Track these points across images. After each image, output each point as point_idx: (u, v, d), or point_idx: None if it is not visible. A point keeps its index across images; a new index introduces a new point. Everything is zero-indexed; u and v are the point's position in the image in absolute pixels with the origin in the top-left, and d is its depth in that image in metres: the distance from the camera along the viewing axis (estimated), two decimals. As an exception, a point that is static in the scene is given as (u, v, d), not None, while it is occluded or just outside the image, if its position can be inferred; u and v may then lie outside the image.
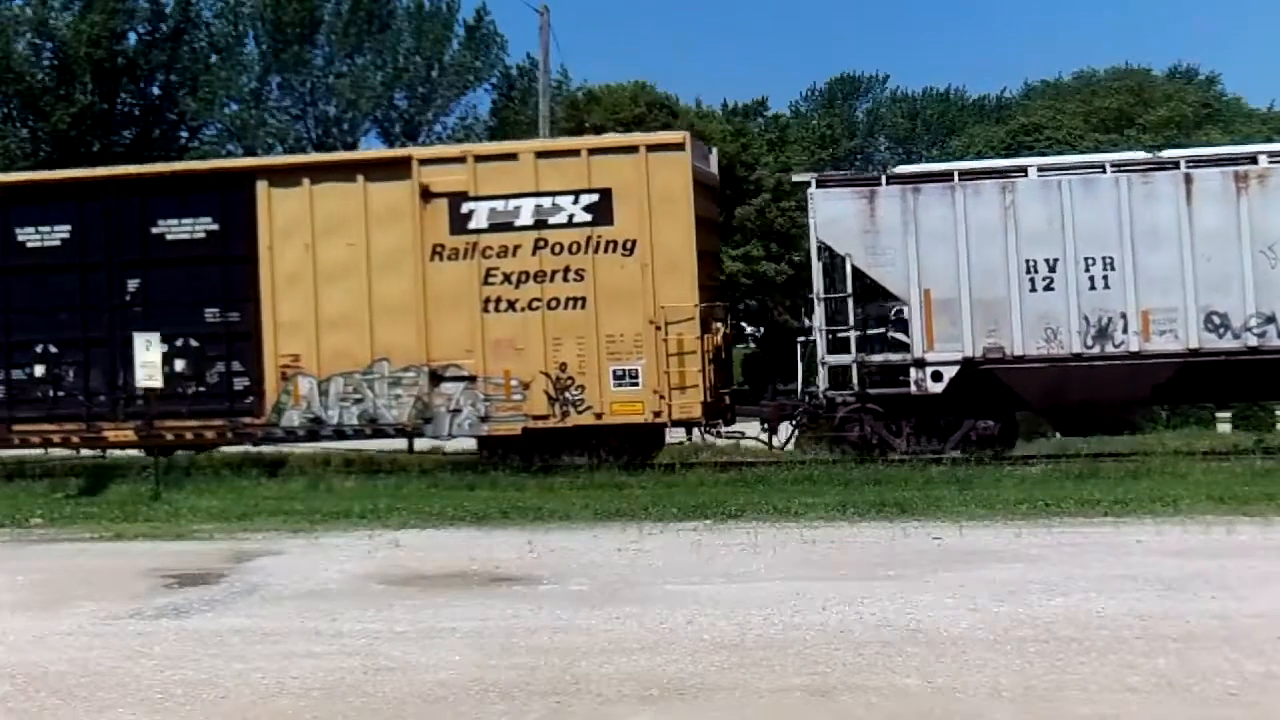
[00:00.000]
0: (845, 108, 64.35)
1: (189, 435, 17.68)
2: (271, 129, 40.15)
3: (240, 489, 15.74)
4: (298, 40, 39.81)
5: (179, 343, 17.16)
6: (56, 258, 17.73)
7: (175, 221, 17.59)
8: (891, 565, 9.60)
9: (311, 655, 7.30)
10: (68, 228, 17.75)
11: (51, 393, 17.73)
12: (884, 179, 16.74)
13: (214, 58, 38.42)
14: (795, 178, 19.83)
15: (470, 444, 18.23)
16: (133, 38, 36.85)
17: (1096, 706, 5.89)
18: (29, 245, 17.83)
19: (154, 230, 17.59)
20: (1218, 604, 7.85)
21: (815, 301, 16.66)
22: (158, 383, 15.87)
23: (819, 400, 16.83)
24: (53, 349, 17.71)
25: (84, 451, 19.21)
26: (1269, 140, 23.24)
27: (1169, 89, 49.19)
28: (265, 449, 18.63)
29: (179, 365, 17.13)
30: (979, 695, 6.11)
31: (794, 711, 6.03)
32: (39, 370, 17.73)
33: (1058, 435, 18.80)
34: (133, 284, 17.62)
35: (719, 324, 17.39)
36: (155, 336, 15.94)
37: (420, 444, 18.44)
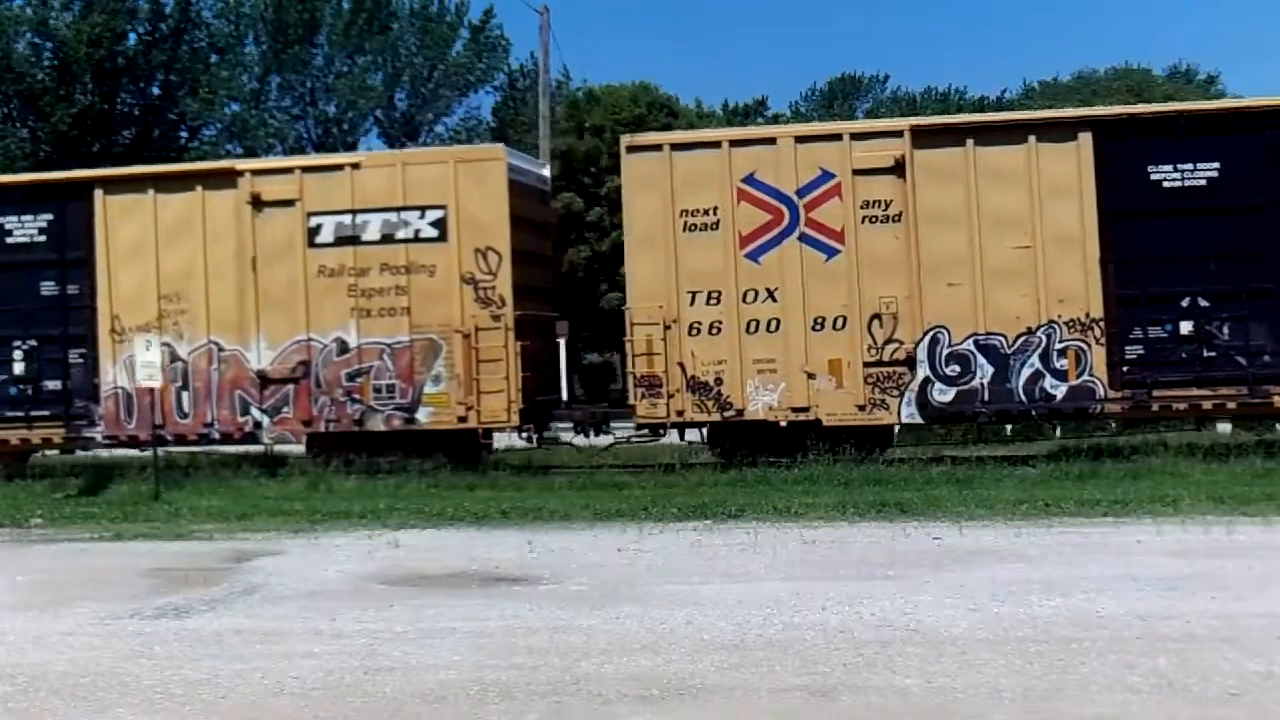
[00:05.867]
0: (845, 108, 64.21)
1: None
2: (271, 129, 40.13)
3: (240, 489, 15.73)
4: (298, 40, 39.81)
5: None
6: (1201, 199, 15.63)
7: None
8: (891, 565, 9.60)
9: (311, 655, 7.30)
10: (1215, 165, 15.66)
11: (1202, 353, 15.59)
12: None
13: (214, 58, 38.39)
14: None
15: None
16: (133, 38, 36.85)
17: (1096, 706, 5.89)
18: (1165, 185, 15.79)
19: None
20: (1218, 604, 7.86)
21: None
22: (158, 383, 15.85)
23: None
24: (1202, 303, 15.57)
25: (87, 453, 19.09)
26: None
27: (1169, 89, 49.18)
28: (260, 448, 18.61)
29: None
30: (979, 695, 6.11)
31: (794, 711, 6.02)
32: (1186, 327, 15.58)
33: (1057, 433, 18.76)
34: None
35: None
36: (155, 337, 15.92)
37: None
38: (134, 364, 15.97)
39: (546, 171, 19.51)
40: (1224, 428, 17.97)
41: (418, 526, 12.57)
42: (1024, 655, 6.76)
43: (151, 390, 16.14)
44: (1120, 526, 11.16)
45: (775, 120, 45.11)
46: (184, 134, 38.97)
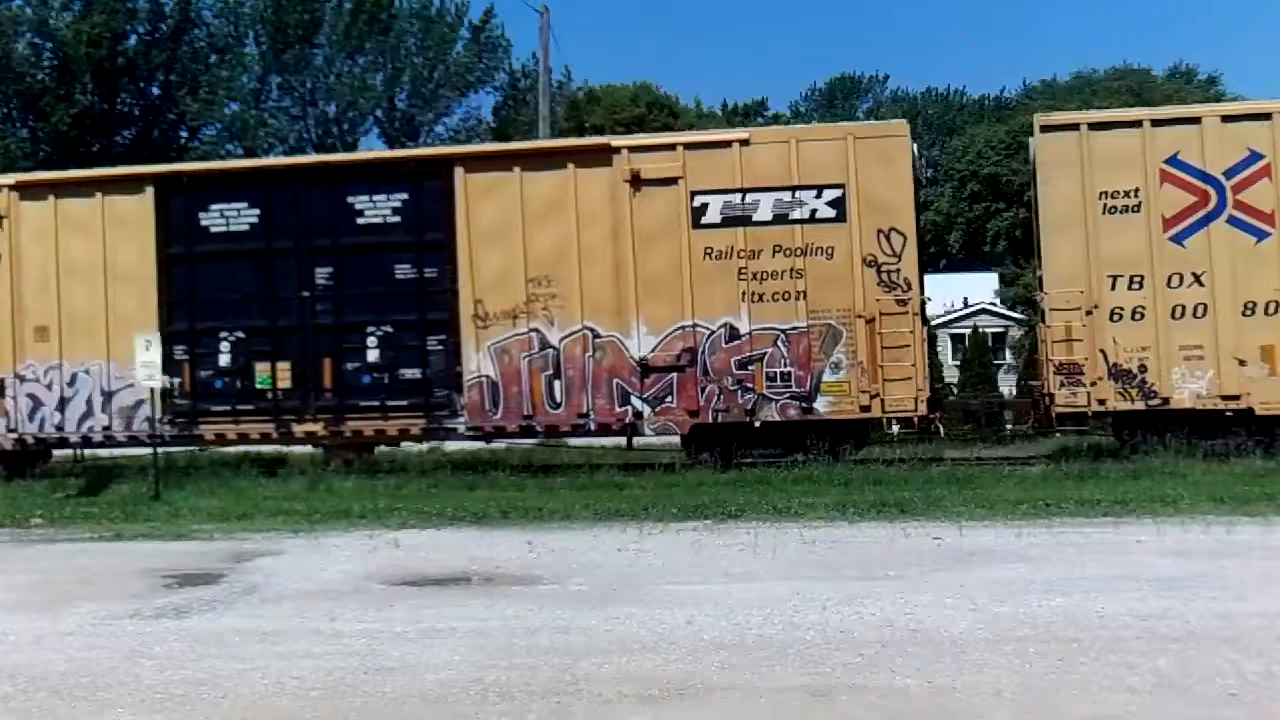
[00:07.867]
0: (845, 108, 64.35)
1: None
2: (271, 129, 40.15)
3: (240, 489, 15.73)
4: (298, 40, 39.84)
5: None
6: None
7: None
8: (891, 565, 9.59)
9: (311, 655, 7.30)
10: None
11: None
12: None
13: (214, 58, 38.42)
14: None
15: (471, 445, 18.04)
16: (133, 38, 36.86)
17: (1096, 706, 5.89)
18: None
19: None
20: (1218, 604, 7.85)
21: None
22: (157, 383, 15.82)
23: None
24: None
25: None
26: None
27: (1169, 89, 49.23)
28: (265, 449, 18.60)
29: None
30: (979, 695, 6.10)
31: (794, 712, 6.02)
32: None
33: (1058, 435, 18.73)
34: None
35: None
36: (155, 336, 15.90)
37: (419, 444, 18.38)
38: (137, 363, 15.93)
39: (915, 149, 19.04)
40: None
41: (418, 526, 12.57)
42: (1024, 655, 6.76)
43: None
44: (1120, 526, 11.15)
45: (775, 120, 45.08)
46: (184, 134, 39.00)
